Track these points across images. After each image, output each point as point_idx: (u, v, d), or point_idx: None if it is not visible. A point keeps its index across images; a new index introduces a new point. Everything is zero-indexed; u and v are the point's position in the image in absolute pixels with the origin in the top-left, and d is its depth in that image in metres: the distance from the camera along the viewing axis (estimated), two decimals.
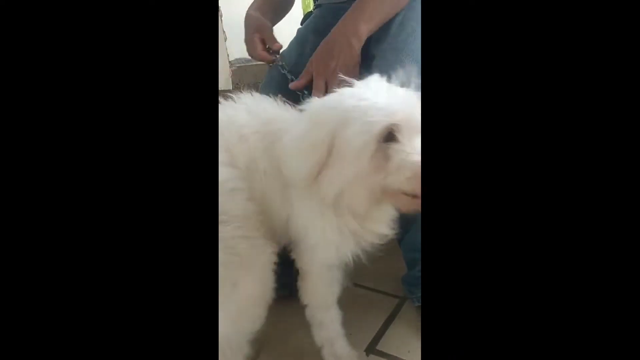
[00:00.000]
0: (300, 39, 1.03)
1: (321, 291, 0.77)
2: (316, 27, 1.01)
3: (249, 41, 0.96)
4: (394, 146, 0.56)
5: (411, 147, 0.55)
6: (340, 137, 0.57)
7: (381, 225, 0.69)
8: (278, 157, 0.66)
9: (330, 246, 0.69)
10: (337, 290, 0.79)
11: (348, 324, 0.92)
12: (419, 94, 0.60)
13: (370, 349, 0.86)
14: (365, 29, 0.79)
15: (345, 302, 0.84)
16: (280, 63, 0.94)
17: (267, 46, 0.95)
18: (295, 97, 0.80)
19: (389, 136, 0.56)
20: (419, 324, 0.92)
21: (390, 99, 0.58)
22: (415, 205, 0.58)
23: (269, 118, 0.71)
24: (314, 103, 0.64)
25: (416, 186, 0.54)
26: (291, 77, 0.89)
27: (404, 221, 0.77)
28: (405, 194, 0.57)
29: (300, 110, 0.65)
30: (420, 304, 0.92)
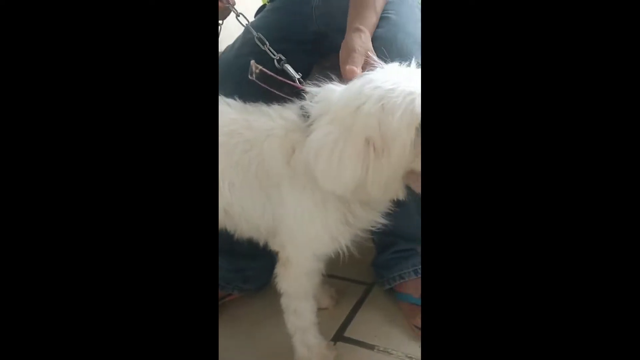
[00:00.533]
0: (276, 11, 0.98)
1: (303, 281, 0.77)
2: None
3: None
4: None
5: None
6: (383, 127, 0.55)
7: (379, 214, 0.71)
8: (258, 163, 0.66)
9: (328, 238, 0.69)
10: (316, 280, 0.79)
11: (317, 313, 0.93)
12: None
13: (338, 336, 0.87)
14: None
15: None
16: (255, 33, 0.81)
17: None
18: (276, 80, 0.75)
19: None
20: (386, 308, 0.93)
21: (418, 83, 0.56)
22: None
23: (235, 129, 0.70)
24: (341, 102, 0.60)
25: None
26: (278, 56, 0.78)
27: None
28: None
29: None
30: (390, 287, 0.94)
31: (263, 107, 0.72)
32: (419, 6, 0.93)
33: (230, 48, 0.96)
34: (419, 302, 0.87)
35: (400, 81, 0.57)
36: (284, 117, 0.69)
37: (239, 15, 0.86)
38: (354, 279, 1.05)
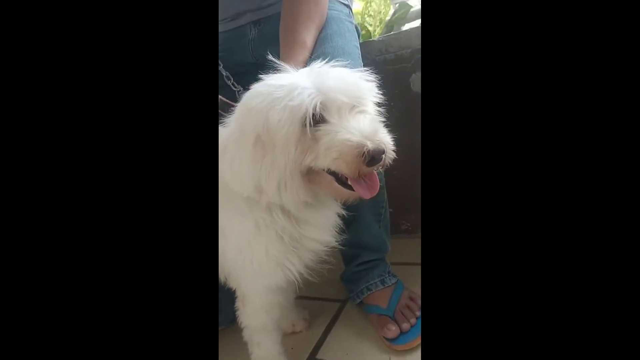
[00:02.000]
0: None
1: (262, 317, 0.75)
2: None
3: None
4: (322, 127, 0.53)
5: (342, 126, 0.53)
6: (267, 126, 0.54)
7: (322, 232, 0.68)
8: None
9: (273, 265, 0.66)
10: (278, 314, 0.77)
11: (292, 337, 0.92)
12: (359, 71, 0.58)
13: (310, 359, 0.85)
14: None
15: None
16: (224, 72, 0.88)
17: None
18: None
19: (319, 117, 0.54)
20: (358, 323, 0.92)
21: (319, 77, 0.55)
22: (350, 195, 0.57)
23: None
24: (240, 104, 0.60)
25: (344, 167, 0.52)
26: (239, 88, 0.84)
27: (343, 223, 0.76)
28: (337, 178, 0.56)
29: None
30: (359, 300, 0.92)
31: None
32: (351, 19, 0.96)
33: None
34: (388, 312, 0.86)
35: (294, 79, 0.56)
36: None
37: (229, 80, 0.89)
38: (327, 297, 1.04)
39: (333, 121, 0.54)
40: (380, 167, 0.55)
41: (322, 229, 0.68)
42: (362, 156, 0.51)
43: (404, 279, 0.94)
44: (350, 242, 0.89)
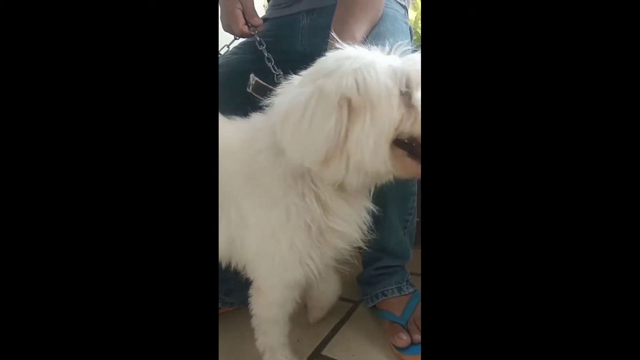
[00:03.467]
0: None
1: (275, 310, 0.74)
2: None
3: (229, 14, 0.87)
4: (414, 94, 0.53)
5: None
6: (364, 87, 0.52)
7: (349, 226, 0.65)
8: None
9: (295, 260, 0.64)
10: (291, 308, 0.76)
11: (299, 330, 0.91)
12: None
13: (315, 354, 0.84)
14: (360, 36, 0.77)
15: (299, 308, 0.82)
16: (265, 53, 0.86)
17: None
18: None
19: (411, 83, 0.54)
20: (368, 327, 0.90)
21: (399, 57, 0.57)
22: (418, 171, 0.56)
23: None
24: (312, 70, 0.58)
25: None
26: (279, 71, 0.81)
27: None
28: (409, 152, 0.56)
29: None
30: (373, 304, 0.91)
31: (234, 121, 0.71)
32: (406, 20, 0.94)
33: (231, 59, 0.99)
34: (401, 321, 0.84)
35: (368, 52, 0.56)
36: (247, 131, 0.67)
37: (260, 44, 0.88)
38: (340, 296, 1.02)
39: (416, 95, 0.53)
40: None
41: (349, 223, 0.65)
42: None
43: None
44: (372, 245, 0.88)
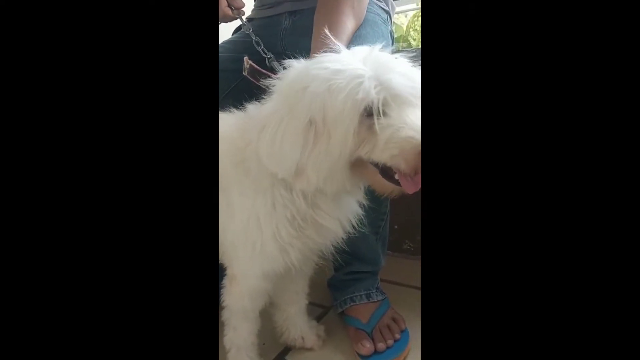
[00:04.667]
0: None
1: (246, 302, 0.73)
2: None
3: None
4: (382, 120, 0.52)
5: (402, 122, 0.51)
6: (325, 113, 0.53)
7: (335, 221, 0.65)
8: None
9: (277, 249, 0.64)
10: (262, 302, 0.75)
11: (267, 332, 0.89)
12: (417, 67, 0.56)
13: (279, 359, 0.83)
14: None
15: (268, 311, 0.81)
16: (253, 37, 0.88)
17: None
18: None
19: (374, 109, 0.52)
20: (335, 333, 0.88)
21: (381, 69, 0.53)
22: (393, 189, 0.55)
23: None
24: (290, 81, 0.58)
25: (403, 164, 0.51)
26: (269, 55, 0.83)
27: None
28: (381, 171, 0.55)
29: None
30: (341, 310, 0.89)
31: (229, 112, 0.71)
32: (388, 25, 0.94)
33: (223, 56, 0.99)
34: (366, 328, 0.82)
35: (352, 64, 0.54)
36: (240, 120, 0.67)
37: (244, 24, 0.91)
38: (312, 301, 1.01)
39: (393, 115, 0.52)
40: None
41: (333, 217, 0.65)
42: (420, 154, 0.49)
43: (393, 299, 0.90)
44: (344, 249, 0.87)
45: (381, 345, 0.78)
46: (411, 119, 0.51)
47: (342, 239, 0.70)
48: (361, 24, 0.83)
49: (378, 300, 0.87)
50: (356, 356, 0.79)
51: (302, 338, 0.86)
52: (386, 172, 0.54)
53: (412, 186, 0.53)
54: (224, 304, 0.75)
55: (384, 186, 0.56)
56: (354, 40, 0.80)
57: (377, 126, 0.51)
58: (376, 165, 0.54)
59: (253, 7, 1.12)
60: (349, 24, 0.78)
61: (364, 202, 0.69)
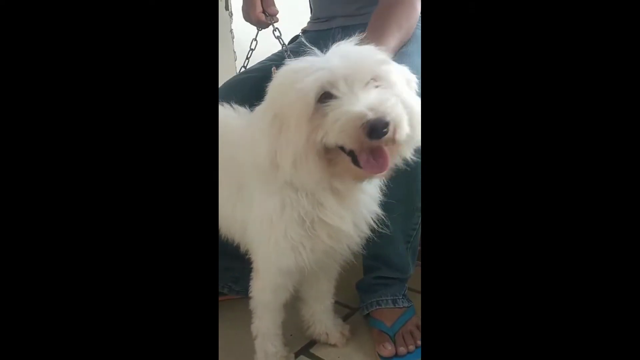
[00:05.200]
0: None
1: (269, 296, 0.79)
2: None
3: (248, 2, 0.97)
4: (332, 102, 0.53)
5: (347, 100, 0.52)
6: (283, 106, 0.57)
7: (343, 222, 0.66)
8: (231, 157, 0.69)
9: (288, 247, 0.68)
10: (284, 297, 0.80)
11: (294, 325, 0.95)
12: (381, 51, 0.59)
13: (303, 350, 0.88)
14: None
15: (296, 304, 0.86)
16: (283, 45, 0.96)
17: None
18: None
19: (328, 94, 0.54)
20: (360, 334, 0.92)
21: (333, 56, 0.57)
22: (363, 174, 0.56)
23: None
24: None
25: (347, 140, 0.52)
26: (287, 50, 0.91)
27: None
28: (352, 158, 0.55)
29: None
30: (367, 312, 0.93)
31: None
32: None
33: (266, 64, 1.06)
34: (389, 332, 0.85)
35: (315, 60, 0.57)
36: None
37: (275, 30, 0.98)
38: (340, 301, 1.05)
39: (344, 97, 0.53)
40: (390, 143, 0.54)
41: (343, 219, 0.67)
42: (363, 127, 0.50)
43: (419, 308, 0.92)
44: (372, 254, 0.91)
45: (402, 350, 0.81)
46: (359, 96, 0.52)
47: (364, 243, 0.72)
48: (408, 41, 0.87)
49: (404, 307, 0.89)
50: (377, 357, 0.83)
51: (327, 334, 0.90)
52: (355, 158, 0.55)
53: (374, 168, 0.54)
54: (251, 294, 0.81)
55: (356, 173, 0.57)
56: (401, 57, 0.84)
57: (325, 109, 0.53)
58: (346, 152, 0.56)
59: (308, 20, 1.19)
60: (392, 43, 0.81)
61: (379, 211, 0.70)
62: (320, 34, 1.07)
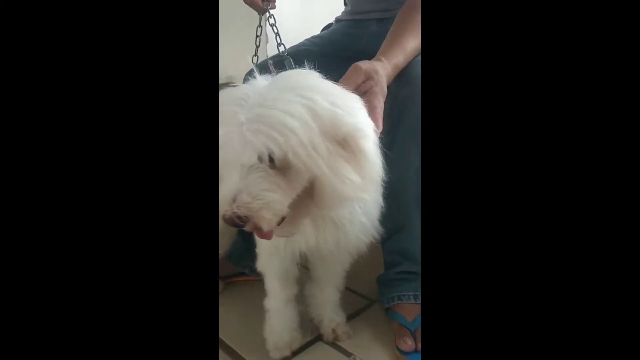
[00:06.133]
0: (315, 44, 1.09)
1: (265, 260, 0.81)
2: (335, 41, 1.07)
3: None
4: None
5: (225, 183, 0.52)
6: None
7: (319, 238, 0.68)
8: None
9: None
10: (277, 270, 0.80)
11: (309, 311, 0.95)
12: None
13: (321, 336, 0.89)
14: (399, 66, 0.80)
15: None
16: (277, 35, 0.97)
17: None
18: None
19: None
20: (378, 325, 0.93)
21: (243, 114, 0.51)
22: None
23: None
24: None
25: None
26: (286, 55, 0.93)
27: (391, 224, 0.79)
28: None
29: None
30: (388, 306, 0.93)
31: None
32: None
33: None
34: (410, 327, 0.86)
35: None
36: None
37: (270, 17, 0.99)
38: (359, 292, 1.06)
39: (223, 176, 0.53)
40: (254, 227, 0.53)
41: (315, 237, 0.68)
42: (224, 219, 0.51)
43: None
44: (394, 249, 0.91)
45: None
46: (233, 180, 0.51)
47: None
48: None
49: None
50: (395, 350, 0.83)
51: (333, 330, 0.90)
52: None
53: (264, 237, 0.56)
54: (258, 269, 0.84)
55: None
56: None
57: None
58: None
59: (342, 11, 1.18)
60: (411, 43, 0.81)
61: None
62: (356, 23, 1.07)
